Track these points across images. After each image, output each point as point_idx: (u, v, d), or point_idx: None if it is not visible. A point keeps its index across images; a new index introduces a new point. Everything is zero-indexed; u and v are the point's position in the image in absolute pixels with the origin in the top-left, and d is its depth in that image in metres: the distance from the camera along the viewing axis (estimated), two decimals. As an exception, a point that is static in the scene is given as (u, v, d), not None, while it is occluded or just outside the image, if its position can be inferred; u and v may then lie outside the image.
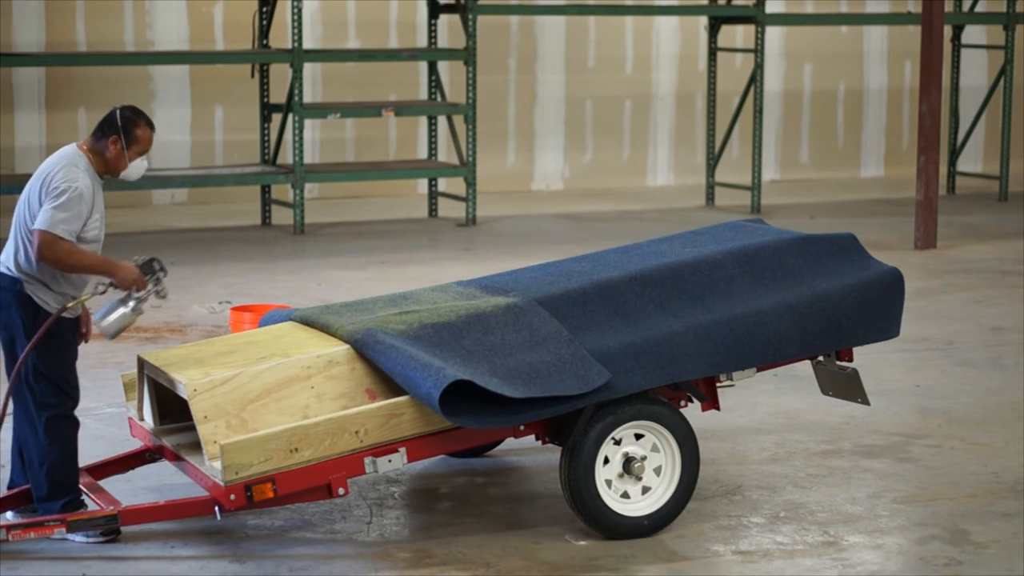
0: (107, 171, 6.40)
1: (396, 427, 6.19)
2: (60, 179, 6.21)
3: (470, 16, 14.88)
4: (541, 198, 17.30)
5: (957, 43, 18.02)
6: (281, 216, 15.20)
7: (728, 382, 6.90)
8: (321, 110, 14.99)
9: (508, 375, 6.20)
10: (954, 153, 18.17)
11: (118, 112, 6.34)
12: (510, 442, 7.16)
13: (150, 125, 6.40)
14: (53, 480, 6.32)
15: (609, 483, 6.43)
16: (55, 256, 6.14)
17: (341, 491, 6.15)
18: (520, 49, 17.69)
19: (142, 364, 6.72)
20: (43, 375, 6.26)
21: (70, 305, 6.28)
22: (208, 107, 16.38)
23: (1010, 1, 17.33)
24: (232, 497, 5.98)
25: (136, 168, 6.41)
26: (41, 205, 6.22)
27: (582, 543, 6.42)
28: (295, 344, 6.57)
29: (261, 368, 6.28)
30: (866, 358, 7.96)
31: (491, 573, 6.10)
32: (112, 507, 6.28)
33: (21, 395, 6.29)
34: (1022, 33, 17.85)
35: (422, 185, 16.81)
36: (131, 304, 6.41)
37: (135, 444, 7.02)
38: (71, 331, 6.36)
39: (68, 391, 6.33)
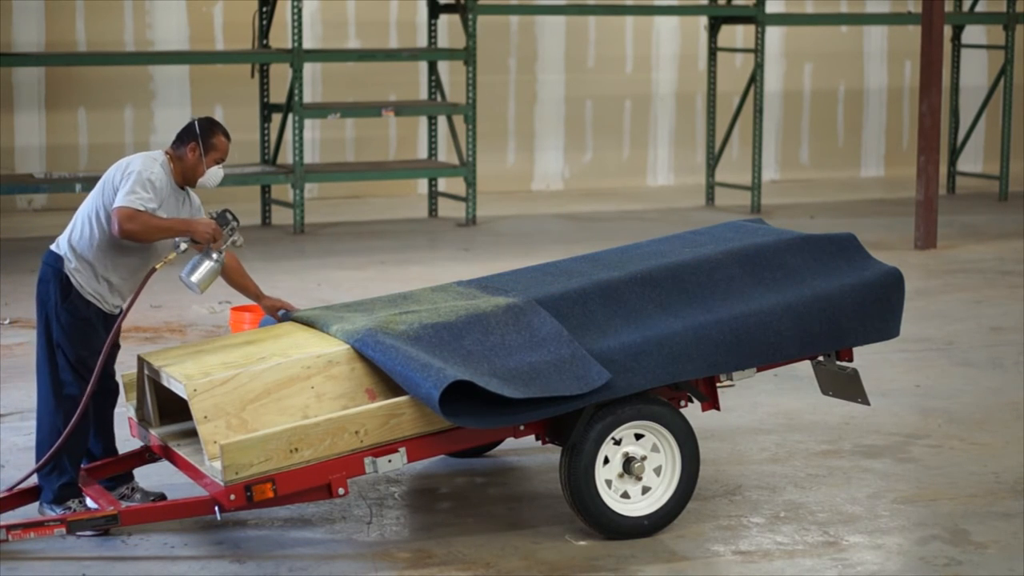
0: (185, 179, 6.62)
1: (396, 427, 6.19)
2: (136, 166, 6.43)
3: (470, 16, 14.88)
4: (541, 198, 17.30)
5: (957, 43, 18.02)
6: (281, 216, 15.20)
7: (728, 382, 6.90)
8: (321, 110, 14.99)
9: (508, 375, 6.20)
10: (954, 153, 18.17)
11: (196, 122, 6.62)
12: (510, 442, 7.16)
13: (226, 135, 6.72)
14: (56, 458, 6.41)
15: (609, 483, 6.43)
16: (135, 226, 6.29)
17: (341, 491, 6.15)
18: (520, 49, 17.69)
19: (142, 364, 6.72)
20: (63, 352, 6.42)
21: (158, 267, 6.48)
22: (208, 107, 16.37)
23: (1010, 1, 17.33)
24: (232, 497, 5.98)
25: (213, 175, 6.65)
26: (117, 192, 6.40)
27: (582, 543, 6.42)
28: (295, 344, 6.56)
29: (261, 368, 6.28)
30: (866, 358, 7.97)
31: (491, 573, 6.10)
32: (112, 507, 6.28)
33: (44, 369, 6.45)
34: (1022, 33, 17.86)
35: (422, 185, 16.81)
36: (214, 256, 6.59)
37: (135, 444, 7.02)
38: (99, 319, 6.48)
39: (85, 375, 6.44)
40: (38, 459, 6.51)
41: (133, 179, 6.35)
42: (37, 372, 6.53)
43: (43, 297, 6.47)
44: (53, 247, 6.52)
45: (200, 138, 6.58)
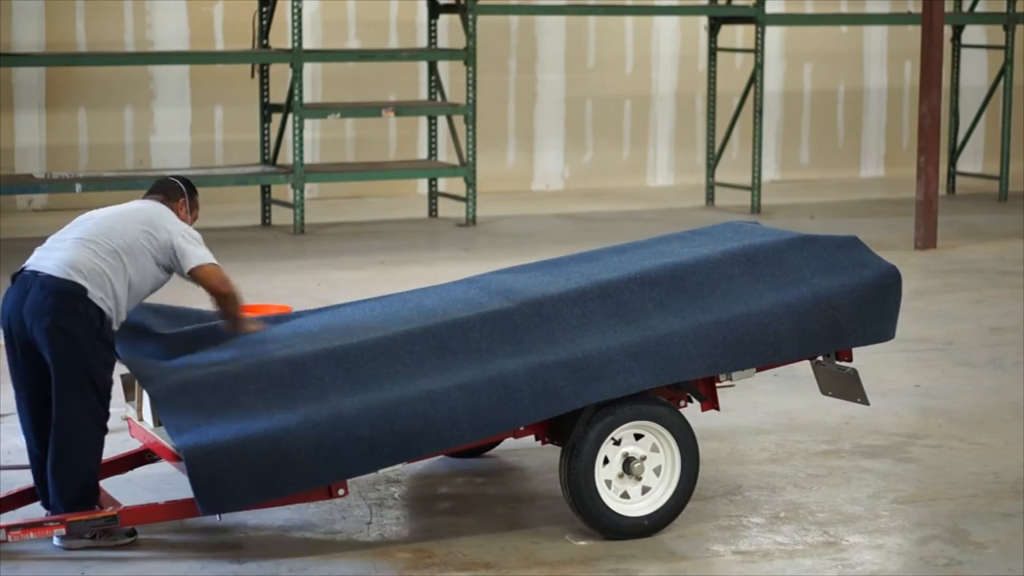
0: None
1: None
2: (176, 224, 6.46)
3: (470, 16, 14.88)
4: (541, 198, 17.30)
5: (957, 43, 18.02)
6: (281, 216, 15.20)
7: (728, 382, 6.89)
8: (321, 110, 14.99)
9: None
10: (954, 153, 18.17)
11: (179, 180, 6.70)
12: (510, 442, 7.15)
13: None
14: (84, 490, 6.27)
15: (609, 483, 6.43)
16: (224, 276, 6.45)
17: (341, 491, 6.16)
18: (520, 49, 17.69)
19: (142, 364, 6.71)
20: (92, 384, 6.21)
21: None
22: (208, 107, 16.37)
23: (1010, 1, 17.33)
24: (232, 497, 5.97)
25: None
26: (148, 234, 6.35)
27: (582, 543, 6.42)
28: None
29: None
30: (866, 358, 7.97)
31: (491, 573, 6.10)
32: (112, 507, 6.27)
33: (66, 406, 6.18)
34: (1022, 33, 17.86)
35: (422, 185, 16.81)
36: None
37: (135, 444, 7.02)
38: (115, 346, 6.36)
39: (107, 402, 6.30)
40: (59, 498, 6.31)
41: (192, 234, 6.42)
42: (57, 410, 6.20)
43: (70, 330, 6.15)
44: (59, 273, 6.19)
45: (188, 196, 6.66)
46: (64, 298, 6.17)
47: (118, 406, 6.94)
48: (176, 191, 6.66)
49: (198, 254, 6.41)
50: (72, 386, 6.17)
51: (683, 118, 18.40)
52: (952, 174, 18.12)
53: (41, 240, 6.59)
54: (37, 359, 6.24)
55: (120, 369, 6.73)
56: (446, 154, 16.72)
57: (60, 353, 6.16)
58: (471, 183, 15.04)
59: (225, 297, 6.52)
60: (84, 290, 6.18)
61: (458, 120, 15.31)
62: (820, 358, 7.09)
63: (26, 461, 6.57)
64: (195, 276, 6.42)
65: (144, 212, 6.48)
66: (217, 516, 6.14)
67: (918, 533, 6.62)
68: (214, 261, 6.44)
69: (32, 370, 6.28)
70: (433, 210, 15.80)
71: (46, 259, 6.31)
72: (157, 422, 6.54)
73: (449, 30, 16.49)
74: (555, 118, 17.94)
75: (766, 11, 16.09)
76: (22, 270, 6.33)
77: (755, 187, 16.29)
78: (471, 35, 14.89)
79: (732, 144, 17.71)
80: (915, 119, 18.35)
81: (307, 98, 15.86)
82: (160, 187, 6.69)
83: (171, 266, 6.43)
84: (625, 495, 6.47)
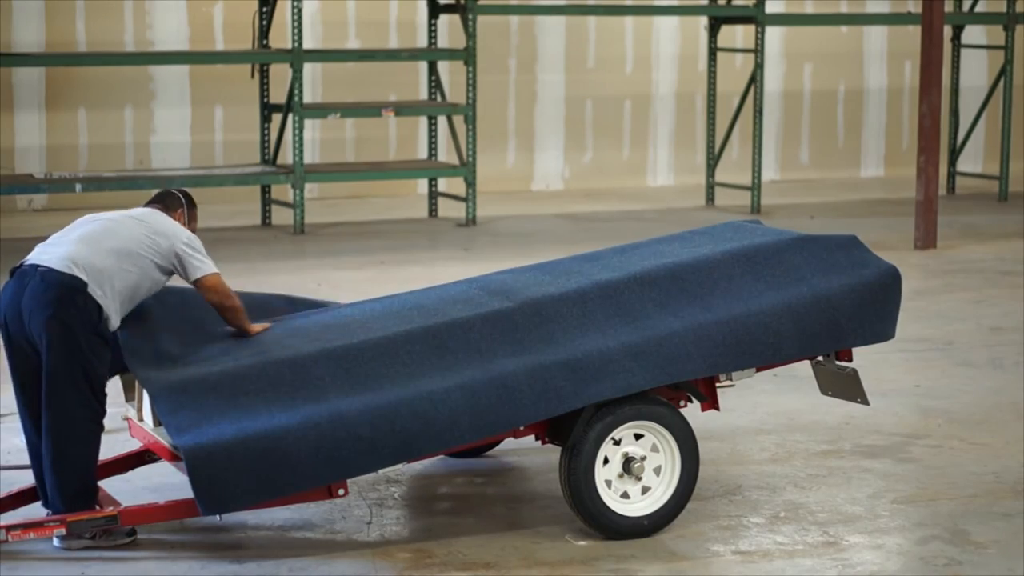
0: None
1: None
2: (180, 231, 6.50)
3: (470, 16, 14.88)
4: (541, 198, 17.30)
5: (957, 43, 18.02)
6: (281, 216, 15.20)
7: (728, 382, 6.89)
8: (321, 110, 14.99)
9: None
10: (954, 153, 18.17)
11: (179, 192, 6.77)
12: (510, 442, 7.16)
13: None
14: (82, 486, 6.27)
15: (609, 483, 6.43)
16: (227, 290, 6.51)
17: (341, 491, 6.16)
18: (520, 49, 17.69)
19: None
20: (87, 379, 6.21)
21: None
22: (208, 107, 16.37)
23: (1010, 1, 17.33)
24: (232, 497, 5.97)
25: None
26: (150, 238, 6.39)
27: (582, 543, 6.42)
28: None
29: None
30: (866, 358, 7.97)
31: (491, 573, 6.10)
32: (112, 507, 6.27)
33: (60, 400, 6.19)
34: (1022, 33, 17.86)
35: (422, 185, 16.82)
36: None
37: (135, 444, 7.02)
38: (113, 343, 6.37)
39: (103, 399, 6.30)
40: (58, 495, 6.29)
41: (194, 243, 6.47)
42: (44, 410, 6.24)
43: (68, 323, 6.17)
44: (60, 267, 6.21)
45: (186, 208, 6.71)
46: (64, 291, 6.18)
47: (118, 406, 6.94)
48: (175, 202, 6.70)
49: (202, 266, 6.45)
50: (68, 380, 6.17)
51: (683, 118, 18.40)
52: (952, 174, 18.12)
53: (41, 240, 6.59)
54: (35, 353, 6.24)
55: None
56: (446, 154, 16.72)
57: (57, 345, 6.16)
58: (471, 183, 15.04)
59: (228, 311, 6.57)
60: (84, 284, 6.20)
61: (458, 120, 15.32)
62: (820, 358, 7.09)
63: (26, 461, 6.57)
64: (199, 287, 6.49)
65: (147, 217, 6.52)
66: (217, 516, 6.14)
67: (918, 533, 6.62)
68: (215, 270, 6.47)
69: (30, 364, 6.27)
70: (433, 210, 15.80)
71: (47, 254, 6.33)
72: (157, 422, 6.54)
73: (449, 30, 16.49)
74: (555, 118, 17.94)
75: (766, 11, 16.09)
76: (21, 264, 6.34)
77: (755, 187, 16.29)
78: (471, 35, 14.90)
79: (732, 144, 17.71)
80: (915, 119, 18.35)
81: (307, 98, 15.87)
82: (160, 197, 6.73)
83: (171, 270, 6.47)
84: (625, 495, 6.47)
